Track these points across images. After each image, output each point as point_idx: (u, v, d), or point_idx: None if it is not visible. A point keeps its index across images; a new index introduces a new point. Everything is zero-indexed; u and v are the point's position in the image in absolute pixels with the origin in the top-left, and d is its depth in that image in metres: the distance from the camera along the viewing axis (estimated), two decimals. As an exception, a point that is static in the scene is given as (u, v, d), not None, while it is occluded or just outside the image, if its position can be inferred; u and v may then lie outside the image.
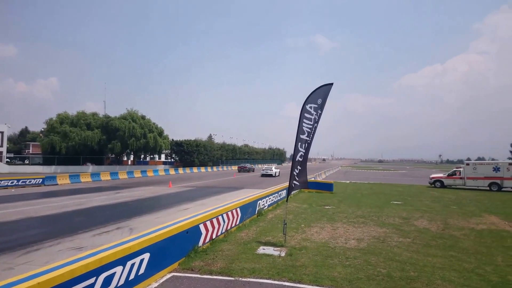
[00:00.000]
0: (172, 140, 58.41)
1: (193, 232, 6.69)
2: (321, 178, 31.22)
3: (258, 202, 11.55)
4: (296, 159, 7.87)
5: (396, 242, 8.01)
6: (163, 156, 68.54)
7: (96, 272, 4.05)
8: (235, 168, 61.64)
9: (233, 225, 8.98)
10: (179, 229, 6.10)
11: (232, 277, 5.49)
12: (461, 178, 24.27)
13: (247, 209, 10.17)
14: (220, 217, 8.07)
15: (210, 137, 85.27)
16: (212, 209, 8.50)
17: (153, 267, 5.27)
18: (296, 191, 17.93)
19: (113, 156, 52.47)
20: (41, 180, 23.26)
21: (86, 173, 30.47)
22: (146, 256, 5.06)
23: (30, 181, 22.63)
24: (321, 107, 7.80)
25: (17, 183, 21.85)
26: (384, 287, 5.12)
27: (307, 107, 7.71)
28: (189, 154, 57.97)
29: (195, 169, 48.28)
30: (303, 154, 7.86)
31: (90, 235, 8.61)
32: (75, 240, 8.07)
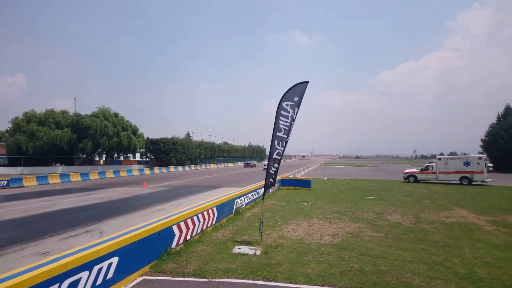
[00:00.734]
0: (148, 138, 56.78)
1: (165, 234, 6.50)
2: (300, 175, 31.48)
3: (236, 200, 11.43)
4: (273, 157, 7.83)
5: (369, 237, 8.20)
6: (137, 155, 66.18)
7: (59, 278, 3.90)
8: (214, 166, 62.00)
9: (209, 225, 8.83)
10: (150, 231, 5.89)
11: (205, 278, 5.38)
12: (433, 172, 25.11)
13: (224, 208, 10.04)
14: (195, 217, 7.90)
15: (188, 135, 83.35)
16: (187, 209, 8.31)
17: (122, 271, 5.07)
18: (274, 188, 18.02)
19: (84, 156, 50.24)
20: (6, 182, 21.89)
21: (55, 174, 28.99)
22: (115, 260, 4.89)
23: (-7, 184, 21.22)
24: (297, 104, 7.79)
25: (-22, 186, 20.45)
26: (356, 282, 5.20)
27: (284, 104, 7.69)
28: (165, 153, 56.74)
29: (172, 168, 47.23)
30: (280, 152, 7.83)
31: (57, 240, 8.19)
32: (41, 245, 7.65)
